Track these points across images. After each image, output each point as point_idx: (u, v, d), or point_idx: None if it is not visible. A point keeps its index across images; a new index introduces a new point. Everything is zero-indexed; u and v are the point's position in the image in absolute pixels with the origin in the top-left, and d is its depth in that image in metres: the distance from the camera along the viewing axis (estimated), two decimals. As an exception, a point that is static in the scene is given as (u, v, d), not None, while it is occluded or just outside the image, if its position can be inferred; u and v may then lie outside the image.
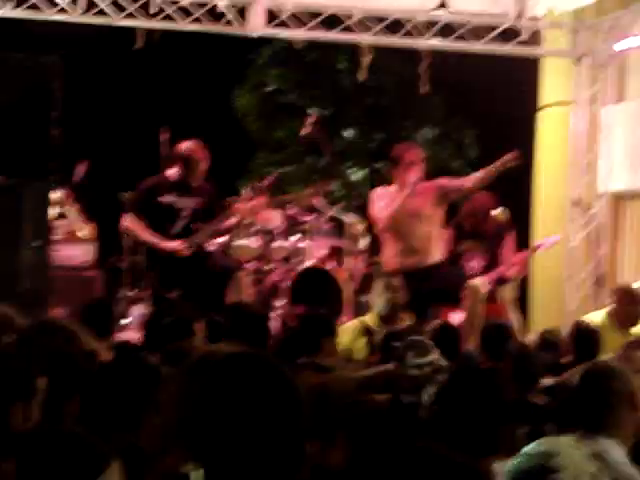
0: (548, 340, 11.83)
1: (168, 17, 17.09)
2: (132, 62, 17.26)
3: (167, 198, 14.81)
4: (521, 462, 5.87)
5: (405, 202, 15.11)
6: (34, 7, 16.72)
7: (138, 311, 15.41)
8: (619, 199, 19.59)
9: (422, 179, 15.20)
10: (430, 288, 14.98)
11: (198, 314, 10.81)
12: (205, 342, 9.94)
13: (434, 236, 15.30)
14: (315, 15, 17.83)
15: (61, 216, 17.41)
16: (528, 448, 6.23)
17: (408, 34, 18.09)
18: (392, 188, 15.30)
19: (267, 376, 3.70)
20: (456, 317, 14.59)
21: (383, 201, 15.39)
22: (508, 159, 14.87)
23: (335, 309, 15.35)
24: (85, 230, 17.31)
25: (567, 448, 5.52)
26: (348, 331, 13.20)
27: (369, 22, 17.96)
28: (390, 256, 15.25)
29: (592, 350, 11.09)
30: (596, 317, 13.66)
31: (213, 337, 10.30)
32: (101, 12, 16.96)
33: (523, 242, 18.26)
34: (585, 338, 11.46)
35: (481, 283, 15.51)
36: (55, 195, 16.86)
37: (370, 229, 17.16)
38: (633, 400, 7.22)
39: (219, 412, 3.43)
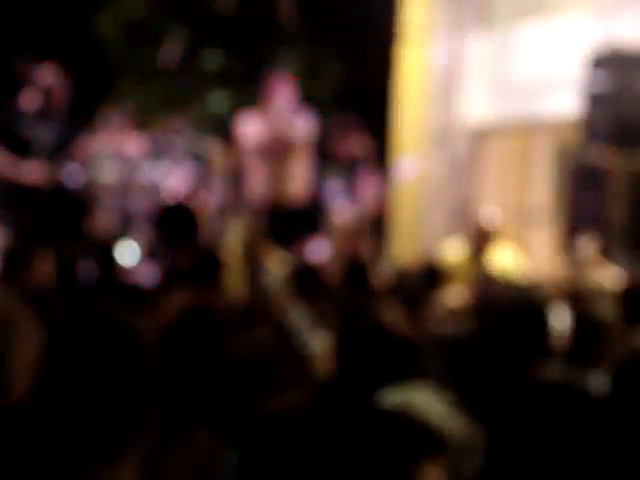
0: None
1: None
2: None
3: (24, 127, 14.71)
4: None
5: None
6: None
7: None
8: (481, 134, 19.90)
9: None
10: (294, 219, 15.46)
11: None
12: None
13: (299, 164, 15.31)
14: None
15: None
16: None
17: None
18: (256, 115, 15.80)
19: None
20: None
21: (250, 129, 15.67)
22: None
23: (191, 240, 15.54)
24: None
25: None
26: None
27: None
28: (254, 187, 15.64)
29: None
30: (454, 249, 14.17)
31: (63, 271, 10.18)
32: None
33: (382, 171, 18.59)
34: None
35: (341, 216, 15.63)
36: None
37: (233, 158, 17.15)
38: None
39: None
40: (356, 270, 11.63)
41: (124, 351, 3.73)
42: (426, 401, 4.08)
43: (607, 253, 13.32)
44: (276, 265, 12.14)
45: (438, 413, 3.89)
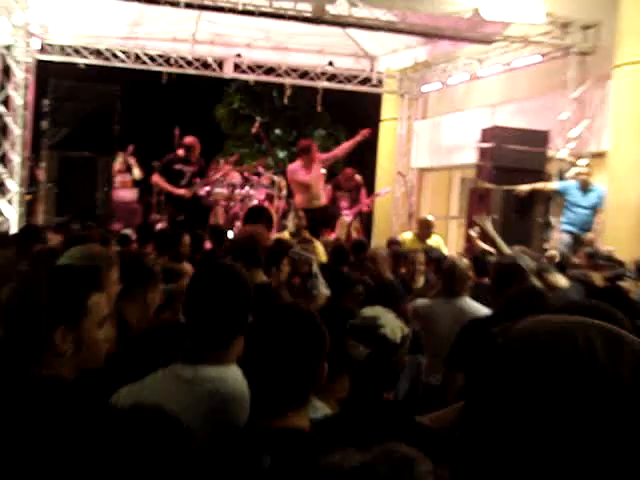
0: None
1: (181, 66, 17.31)
2: (160, 90, 17.20)
3: (178, 166, 14.97)
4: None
5: (306, 172, 15.01)
6: (106, 59, 16.86)
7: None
8: (421, 171, 19.89)
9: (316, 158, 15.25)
10: (319, 218, 14.56)
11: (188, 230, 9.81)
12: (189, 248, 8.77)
13: (322, 189, 15.16)
14: (260, 66, 18.10)
15: (127, 169, 17.23)
16: None
17: (311, 79, 18.37)
18: (299, 163, 15.15)
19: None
20: (331, 237, 14.07)
21: (296, 170, 14.94)
22: (362, 135, 15.01)
23: (269, 227, 15.24)
24: (138, 173, 17.26)
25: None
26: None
27: (290, 70, 18.23)
28: (298, 200, 14.84)
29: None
30: (407, 235, 13.39)
31: (195, 244, 9.45)
32: (143, 62, 17.14)
33: (370, 192, 18.15)
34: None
35: (346, 217, 15.45)
36: (119, 159, 16.80)
37: (288, 185, 16.93)
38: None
39: None
40: (341, 251, 11.35)
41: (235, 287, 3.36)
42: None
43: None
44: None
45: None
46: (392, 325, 3.58)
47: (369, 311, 3.74)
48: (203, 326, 3.17)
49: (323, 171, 15.17)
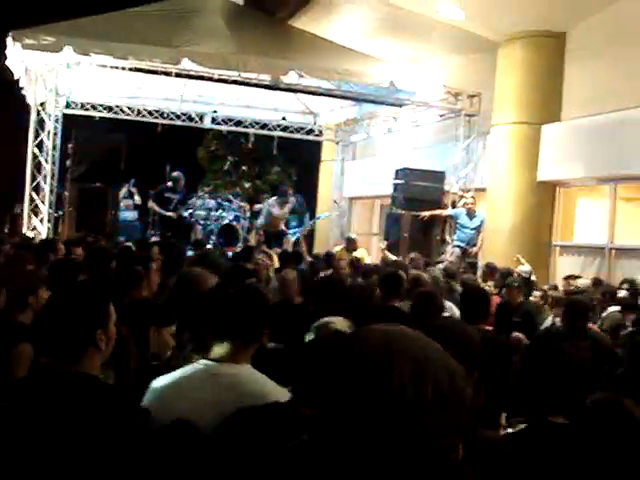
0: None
1: (171, 119, 17.44)
2: (155, 137, 17.04)
3: (167, 194, 15.05)
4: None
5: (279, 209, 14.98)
6: (115, 113, 16.99)
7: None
8: (353, 199, 19.86)
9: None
10: (274, 237, 14.80)
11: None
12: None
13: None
14: (231, 119, 18.27)
15: (130, 196, 17.11)
16: None
17: (269, 129, 18.49)
18: (276, 200, 15.26)
19: None
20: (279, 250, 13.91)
21: (272, 205, 15.15)
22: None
23: (236, 241, 15.58)
24: (137, 199, 17.05)
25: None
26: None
27: (253, 123, 18.43)
28: (260, 223, 15.16)
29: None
30: (338, 248, 13.33)
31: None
32: (143, 115, 17.23)
33: (312, 216, 18.48)
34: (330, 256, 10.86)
35: (291, 237, 15.40)
36: (124, 188, 16.79)
37: (251, 209, 16.99)
38: None
39: None
40: (295, 255, 11.01)
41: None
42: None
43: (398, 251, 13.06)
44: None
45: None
46: (342, 324, 3.62)
47: (327, 318, 3.77)
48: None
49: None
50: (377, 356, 1.10)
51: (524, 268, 10.38)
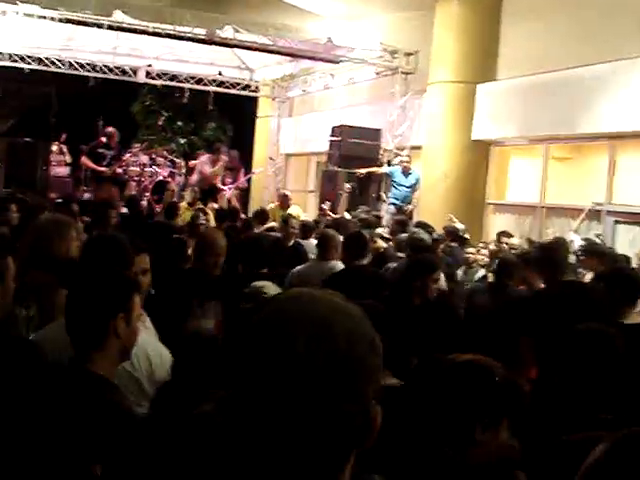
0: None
1: (104, 72, 16.89)
2: (88, 91, 16.57)
3: (100, 150, 14.61)
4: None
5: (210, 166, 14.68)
6: (46, 65, 16.38)
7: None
8: (287, 156, 19.78)
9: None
10: (208, 193, 14.30)
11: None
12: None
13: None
14: (166, 74, 17.80)
15: (61, 152, 16.65)
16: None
17: (204, 84, 18.12)
18: (208, 157, 14.98)
19: None
20: (215, 206, 13.26)
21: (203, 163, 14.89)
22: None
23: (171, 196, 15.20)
24: (68, 158, 16.78)
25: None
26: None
27: (189, 78, 17.98)
28: (194, 179, 14.87)
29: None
30: (272, 205, 13.17)
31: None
32: (75, 68, 16.64)
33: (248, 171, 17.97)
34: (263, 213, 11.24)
35: (226, 193, 15.15)
36: (55, 144, 16.38)
37: (187, 165, 16.81)
38: None
39: None
40: (230, 212, 10.93)
41: None
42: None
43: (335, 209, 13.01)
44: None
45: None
46: (274, 290, 3.57)
47: (257, 283, 3.75)
48: None
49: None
50: (275, 320, 1.11)
51: (458, 226, 10.38)
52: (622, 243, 9.63)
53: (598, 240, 8.87)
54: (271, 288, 3.63)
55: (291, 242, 8.10)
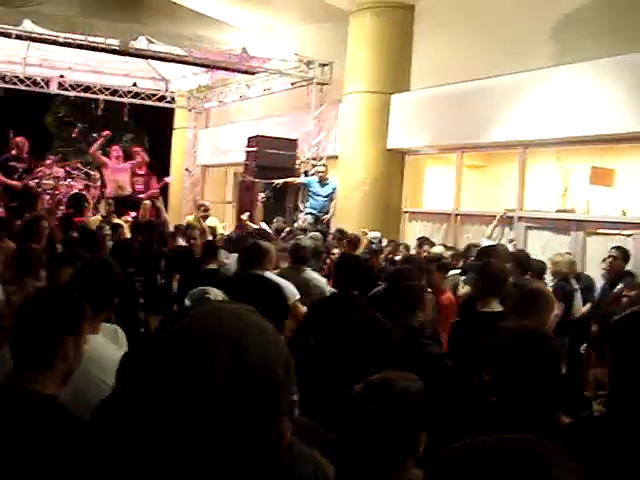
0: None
1: (14, 83, 16.30)
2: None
3: (12, 163, 14.04)
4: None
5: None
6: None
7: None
8: (205, 167, 19.59)
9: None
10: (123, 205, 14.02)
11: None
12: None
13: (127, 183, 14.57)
14: (79, 85, 17.32)
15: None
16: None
17: (119, 96, 17.75)
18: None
19: None
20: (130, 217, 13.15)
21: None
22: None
23: (86, 210, 14.75)
24: None
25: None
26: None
27: (103, 89, 17.53)
28: (109, 190, 14.53)
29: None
30: (190, 217, 12.92)
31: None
32: None
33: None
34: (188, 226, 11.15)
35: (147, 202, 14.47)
36: None
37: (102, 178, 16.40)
38: None
39: None
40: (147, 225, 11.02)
41: None
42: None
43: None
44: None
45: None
46: (215, 293, 3.52)
47: (209, 290, 3.63)
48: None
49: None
50: (195, 338, 1.09)
51: (374, 234, 10.39)
52: (534, 248, 9.71)
53: (511, 246, 8.96)
54: (214, 291, 3.59)
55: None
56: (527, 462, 0.96)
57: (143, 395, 1.21)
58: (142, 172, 15.05)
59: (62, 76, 16.83)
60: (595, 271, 8.27)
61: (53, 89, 17.04)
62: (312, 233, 10.15)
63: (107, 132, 15.21)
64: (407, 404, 2.20)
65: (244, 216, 12.58)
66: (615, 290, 6.95)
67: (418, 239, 9.91)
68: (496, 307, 4.60)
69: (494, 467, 0.95)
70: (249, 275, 5.11)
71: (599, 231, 9.41)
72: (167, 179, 17.05)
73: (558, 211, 10.25)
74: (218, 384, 1.05)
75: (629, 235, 8.85)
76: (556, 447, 1.00)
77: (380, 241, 10.25)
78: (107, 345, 2.88)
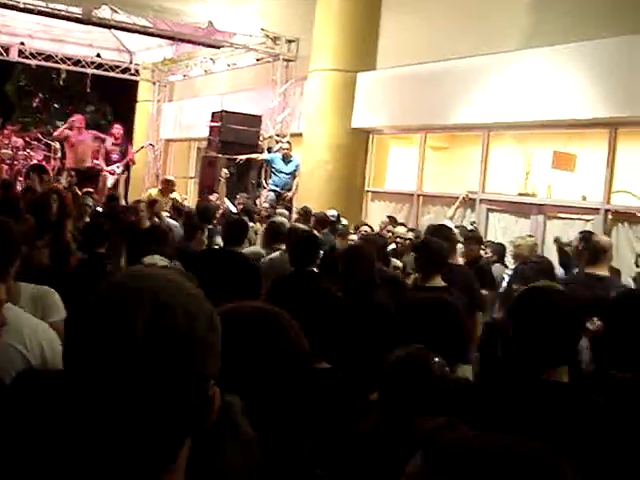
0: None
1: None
2: None
3: None
4: None
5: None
6: None
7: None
8: (168, 141, 19.33)
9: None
10: (85, 177, 13.63)
11: None
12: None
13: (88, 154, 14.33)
14: (40, 54, 16.89)
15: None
16: None
17: (82, 66, 17.34)
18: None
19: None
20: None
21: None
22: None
23: (46, 180, 14.33)
24: None
25: None
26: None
27: (65, 59, 17.14)
28: (69, 161, 14.26)
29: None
30: (153, 191, 12.38)
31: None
32: None
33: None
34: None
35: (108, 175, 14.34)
36: None
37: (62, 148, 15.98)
38: None
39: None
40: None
41: None
42: None
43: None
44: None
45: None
46: (155, 259, 3.66)
47: (148, 259, 3.76)
48: None
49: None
50: (114, 296, 1.05)
51: (331, 212, 10.21)
52: (495, 230, 9.65)
53: (472, 228, 8.90)
54: (161, 262, 3.61)
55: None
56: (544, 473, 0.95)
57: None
58: (118, 142, 14.79)
59: (22, 43, 16.42)
60: (554, 254, 8.21)
61: (13, 57, 16.62)
62: (279, 210, 10.03)
63: (76, 117, 14.72)
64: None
65: (212, 197, 12.40)
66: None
67: (388, 216, 9.84)
68: (439, 282, 4.85)
69: (510, 472, 0.94)
70: (227, 251, 5.18)
71: (559, 215, 9.39)
72: (145, 145, 16.76)
73: (520, 194, 10.19)
74: (136, 340, 1.01)
75: (589, 220, 8.83)
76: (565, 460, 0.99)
77: (338, 219, 10.07)
78: (14, 309, 2.65)
